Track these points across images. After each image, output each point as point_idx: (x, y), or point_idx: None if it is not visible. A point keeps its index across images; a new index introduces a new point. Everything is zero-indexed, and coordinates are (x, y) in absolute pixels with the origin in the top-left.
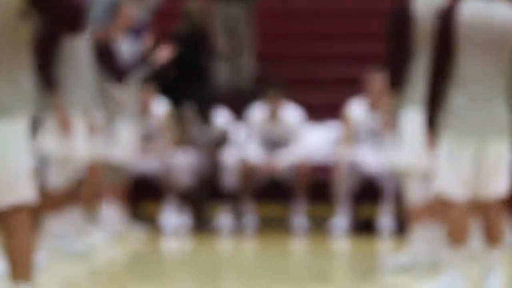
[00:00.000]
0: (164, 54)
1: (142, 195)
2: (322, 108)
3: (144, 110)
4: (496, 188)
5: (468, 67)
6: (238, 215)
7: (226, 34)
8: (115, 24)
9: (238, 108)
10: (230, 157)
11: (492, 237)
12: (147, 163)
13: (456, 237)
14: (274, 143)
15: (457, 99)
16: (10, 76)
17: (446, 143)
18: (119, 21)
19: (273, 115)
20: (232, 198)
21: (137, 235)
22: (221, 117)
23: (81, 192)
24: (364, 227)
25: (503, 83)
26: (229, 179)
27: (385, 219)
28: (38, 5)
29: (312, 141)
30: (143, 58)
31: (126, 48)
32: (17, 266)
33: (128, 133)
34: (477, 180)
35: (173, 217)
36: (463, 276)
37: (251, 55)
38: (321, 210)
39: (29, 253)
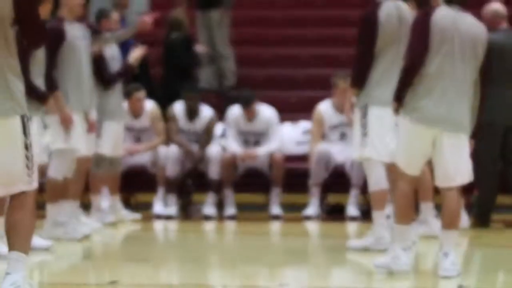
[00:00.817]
0: (138, 53)
1: (134, 185)
2: (296, 106)
3: (137, 110)
4: (453, 177)
5: (438, 66)
6: (221, 203)
7: (207, 39)
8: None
9: (220, 107)
10: (213, 150)
11: (448, 220)
12: (139, 156)
13: (402, 214)
14: (251, 138)
15: (423, 93)
16: (3, 80)
17: (406, 127)
18: (107, 29)
19: (249, 117)
20: (215, 187)
21: (130, 221)
22: (206, 113)
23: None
24: (334, 212)
25: (470, 84)
26: (213, 170)
27: (352, 205)
28: (21, 18)
29: (286, 135)
30: (128, 65)
31: (113, 54)
32: (15, 239)
33: (116, 130)
34: (437, 169)
35: (163, 205)
36: (408, 251)
37: (229, 58)
38: (295, 198)
39: (29, 228)
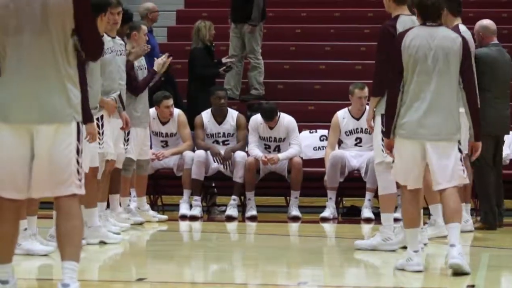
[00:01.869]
0: (162, 60)
1: (161, 187)
2: (316, 114)
3: (165, 117)
4: (441, 181)
5: (416, 84)
6: (243, 205)
7: (238, 50)
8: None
9: (245, 114)
10: (239, 155)
11: (449, 216)
12: (166, 160)
13: (409, 218)
14: (272, 144)
15: (405, 110)
16: (63, 87)
17: (398, 143)
18: (137, 43)
19: (270, 127)
20: (239, 190)
21: (157, 222)
22: (233, 114)
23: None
24: (350, 214)
25: (448, 95)
26: (238, 174)
27: (367, 208)
28: (81, 29)
29: (304, 141)
30: (153, 73)
31: (140, 65)
32: (71, 248)
33: (142, 135)
34: (433, 173)
35: (188, 207)
36: (419, 252)
37: (259, 70)
38: (313, 200)
39: (81, 236)
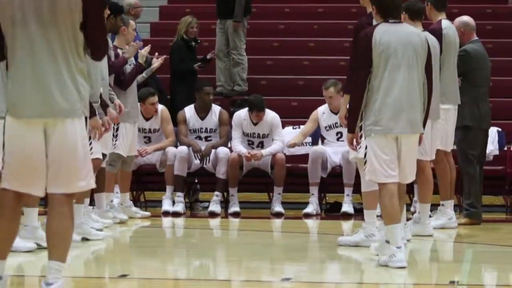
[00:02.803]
0: (144, 51)
1: (144, 184)
2: (299, 110)
3: (149, 113)
4: (408, 175)
5: (388, 79)
6: (226, 201)
7: (222, 46)
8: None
9: (227, 112)
10: (221, 151)
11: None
12: (149, 156)
13: (388, 215)
14: (256, 140)
15: (379, 106)
16: (74, 81)
17: (374, 140)
18: (126, 38)
19: (257, 120)
20: (221, 186)
21: (139, 218)
22: (215, 109)
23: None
24: (332, 210)
25: (419, 89)
26: (221, 170)
27: (347, 203)
28: (88, 24)
29: (287, 137)
30: (137, 65)
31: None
32: (59, 249)
33: (131, 131)
34: (402, 167)
35: (171, 203)
36: (402, 248)
37: (242, 66)
38: (296, 196)
39: (71, 237)
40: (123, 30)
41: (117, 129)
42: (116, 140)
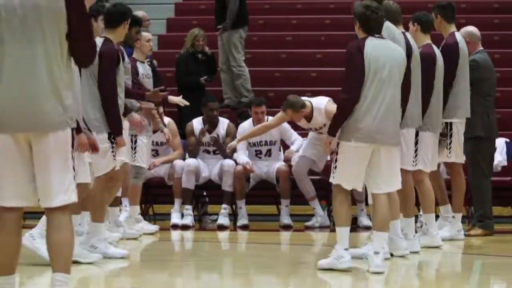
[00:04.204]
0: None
1: (152, 197)
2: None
3: (156, 126)
4: (383, 185)
5: (374, 90)
6: (234, 213)
7: (224, 59)
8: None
9: (234, 121)
10: (227, 164)
11: (381, 223)
12: (157, 169)
13: (339, 218)
14: (263, 149)
15: (363, 115)
16: (58, 93)
17: (349, 149)
18: (141, 50)
19: (258, 118)
20: (229, 199)
21: (149, 231)
22: (224, 123)
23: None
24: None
25: (398, 102)
26: (227, 183)
27: (361, 217)
28: (73, 33)
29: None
30: (142, 96)
31: (145, 73)
32: (60, 260)
33: (147, 143)
34: (374, 177)
35: (179, 216)
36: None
37: (243, 77)
38: (305, 208)
39: (72, 248)
40: (137, 43)
41: (135, 142)
42: (135, 153)
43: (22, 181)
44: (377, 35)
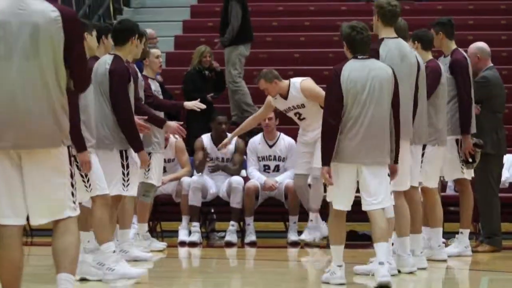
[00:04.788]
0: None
1: (160, 214)
2: None
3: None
4: (372, 202)
5: (355, 112)
6: (242, 230)
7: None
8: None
9: (243, 137)
10: (236, 180)
11: (379, 235)
12: (164, 186)
13: (333, 237)
14: (272, 164)
15: (344, 136)
16: (54, 114)
17: (335, 167)
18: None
19: (269, 144)
20: (237, 216)
21: (157, 248)
22: (232, 143)
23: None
24: (349, 239)
25: (382, 121)
26: (236, 200)
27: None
28: (70, 59)
29: None
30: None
31: (156, 90)
32: (64, 260)
33: (161, 160)
34: (362, 196)
35: (187, 233)
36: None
37: (241, 93)
38: None
39: (77, 250)
40: (146, 61)
41: (150, 159)
42: (148, 171)
43: (18, 199)
44: (360, 56)
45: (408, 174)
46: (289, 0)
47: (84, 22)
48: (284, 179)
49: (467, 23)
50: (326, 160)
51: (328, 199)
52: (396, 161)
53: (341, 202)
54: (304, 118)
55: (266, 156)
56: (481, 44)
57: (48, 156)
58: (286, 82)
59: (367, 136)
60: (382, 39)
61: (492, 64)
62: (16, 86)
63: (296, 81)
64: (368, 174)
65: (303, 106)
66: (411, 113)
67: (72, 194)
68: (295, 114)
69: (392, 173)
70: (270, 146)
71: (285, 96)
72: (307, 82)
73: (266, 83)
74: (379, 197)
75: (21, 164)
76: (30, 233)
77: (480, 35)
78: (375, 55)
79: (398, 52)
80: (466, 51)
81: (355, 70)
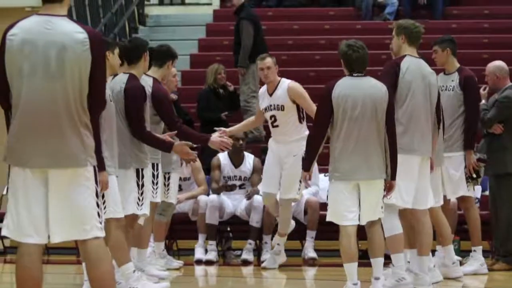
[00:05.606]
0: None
1: (176, 232)
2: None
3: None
4: (370, 215)
5: (347, 129)
6: (258, 248)
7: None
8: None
9: (258, 155)
10: (256, 199)
11: (376, 251)
12: (181, 205)
13: (346, 255)
14: None
15: (339, 155)
16: (78, 134)
17: (333, 185)
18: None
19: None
20: (255, 235)
21: (174, 266)
22: (250, 157)
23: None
24: (364, 257)
25: (376, 139)
26: (255, 218)
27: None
28: (95, 78)
29: (321, 184)
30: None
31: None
32: None
33: (177, 179)
34: (361, 209)
35: (203, 251)
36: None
37: (251, 112)
38: (330, 244)
39: (113, 280)
40: (163, 80)
41: (169, 178)
42: (168, 190)
43: (41, 218)
44: (356, 74)
45: (430, 192)
46: (304, 19)
47: (106, 40)
48: (303, 195)
49: (482, 42)
50: (307, 166)
51: (328, 219)
52: (393, 177)
53: (346, 219)
54: (277, 126)
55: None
56: (500, 63)
57: (75, 176)
58: (278, 78)
59: (361, 153)
60: (405, 55)
61: (511, 83)
62: (41, 105)
63: (286, 81)
64: (365, 189)
65: (282, 108)
66: (428, 131)
67: (98, 214)
68: (271, 117)
69: (389, 189)
70: None
71: (271, 93)
72: (296, 84)
73: (272, 63)
74: (374, 211)
75: (47, 184)
76: (47, 251)
77: (495, 54)
78: (396, 68)
79: (419, 70)
80: (482, 70)
81: (347, 88)
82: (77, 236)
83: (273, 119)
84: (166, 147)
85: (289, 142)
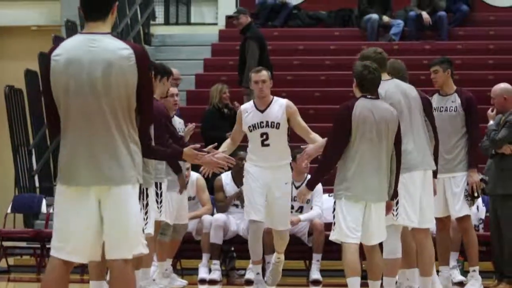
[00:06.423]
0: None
1: (180, 251)
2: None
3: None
4: (375, 237)
5: (362, 150)
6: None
7: None
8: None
9: None
10: None
11: (375, 274)
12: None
13: (350, 270)
14: (295, 205)
15: (352, 175)
16: (128, 150)
17: (344, 204)
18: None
19: (295, 186)
20: None
21: (178, 286)
22: None
23: None
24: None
25: (387, 160)
26: None
27: None
28: (141, 97)
29: (325, 204)
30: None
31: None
32: None
33: (179, 199)
34: (365, 231)
35: (207, 271)
36: None
37: None
38: (335, 264)
39: None
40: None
41: (161, 195)
42: (161, 208)
43: (87, 237)
44: (369, 96)
45: (433, 209)
46: (310, 39)
47: None
48: (308, 217)
49: (487, 63)
50: (313, 185)
51: (331, 238)
52: (393, 197)
53: (352, 237)
54: (267, 145)
55: (292, 198)
56: (506, 85)
57: (126, 193)
58: (270, 96)
59: (374, 174)
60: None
61: None
62: (88, 124)
63: (281, 99)
64: (374, 211)
65: (277, 126)
66: (426, 143)
67: (143, 230)
68: (262, 134)
69: (387, 209)
70: (296, 188)
71: (263, 109)
72: (292, 104)
73: (267, 77)
74: (379, 233)
75: (99, 201)
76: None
77: (501, 75)
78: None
79: (397, 89)
80: (486, 91)
81: (365, 109)
82: (129, 253)
83: (264, 137)
84: (175, 155)
85: (276, 167)
